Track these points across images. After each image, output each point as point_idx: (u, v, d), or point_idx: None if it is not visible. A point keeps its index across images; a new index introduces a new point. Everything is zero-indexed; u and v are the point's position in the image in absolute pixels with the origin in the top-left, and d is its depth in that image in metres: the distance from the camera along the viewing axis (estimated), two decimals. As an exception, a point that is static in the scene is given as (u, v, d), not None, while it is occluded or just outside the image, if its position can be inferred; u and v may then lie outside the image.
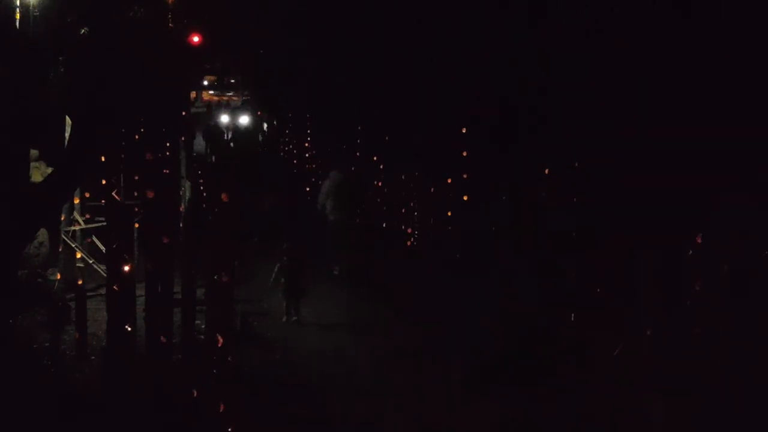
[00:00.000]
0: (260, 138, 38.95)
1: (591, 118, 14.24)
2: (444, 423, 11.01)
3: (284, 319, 15.20)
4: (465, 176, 17.86)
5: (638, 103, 13.26)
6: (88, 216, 17.69)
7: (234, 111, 42.70)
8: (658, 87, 12.87)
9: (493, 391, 11.86)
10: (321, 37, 28.48)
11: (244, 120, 39.12)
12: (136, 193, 19.41)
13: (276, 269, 15.39)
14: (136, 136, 22.18)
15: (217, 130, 36.78)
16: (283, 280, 15.23)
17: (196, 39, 24.24)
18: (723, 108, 11.68)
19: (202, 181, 24.83)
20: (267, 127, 39.28)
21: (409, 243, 20.34)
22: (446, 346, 13.65)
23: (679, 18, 12.34)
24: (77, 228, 17.02)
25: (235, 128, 38.82)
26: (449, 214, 18.34)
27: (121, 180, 18.65)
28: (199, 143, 34.84)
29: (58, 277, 16.17)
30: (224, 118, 39.11)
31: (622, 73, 13.55)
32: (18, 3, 14.77)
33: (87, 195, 17.85)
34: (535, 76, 15.86)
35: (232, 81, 51.44)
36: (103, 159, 16.00)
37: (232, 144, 36.56)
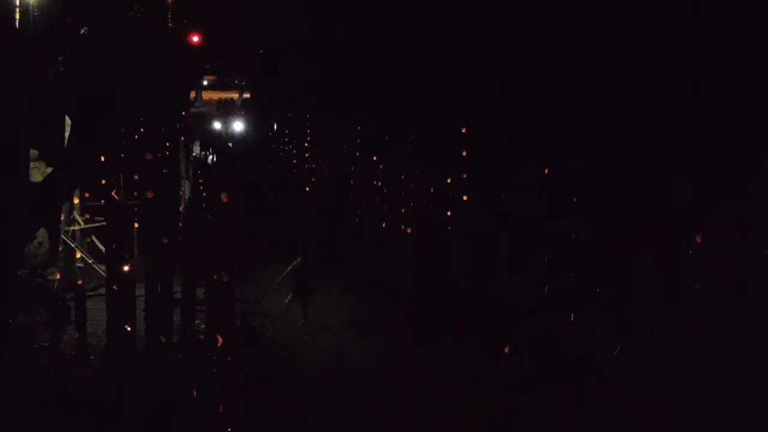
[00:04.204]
0: (260, 139, 39.00)
1: (594, 121, 14.23)
2: (444, 422, 11.02)
3: (301, 322, 15.07)
4: (465, 176, 17.86)
5: (640, 107, 13.26)
6: (88, 216, 17.71)
7: (232, 114, 42.81)
8: (663, 91, 12.87)
9: (491, 387, 11.88)
10: (321, 37, 28.49)
11: (241, 122, 39.20)
12: (136, 193, 19.45)
13: (291, 267, 15.26)
14: (136, 136, 22.19)
15: (216, 132, 36.85)
16: (294, 279, 15.18)
17: (196, 39, 24.24)
18: (726, 113, 11.69)
19: (202, 181, 24.87)
20: (267, 127, 39.30)
21: (408, 242, 20.33)
22: (446, 344, 13.67)
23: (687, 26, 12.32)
24: (77, 228, 17.05)
25: (234, 129, 38.87)
26: (449, 213, 18.34)
27: (121, 180, 18.66)
28: (199, 145, 34.93)
29: (58, 277, 16.18)
30: (222, 122, 39.18)
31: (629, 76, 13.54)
32: (18, 3, 14.76)
33: (87, 195, 17.87)
34: (537, 77, 15.86)
35: (234, 81, 51.52)
36: (103, 159, 16.01)
37: (230, 144, 36.66)
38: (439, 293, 15.99)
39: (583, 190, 13.96)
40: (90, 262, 16.56)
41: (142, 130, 22.79)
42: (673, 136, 12.29)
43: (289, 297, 15.20)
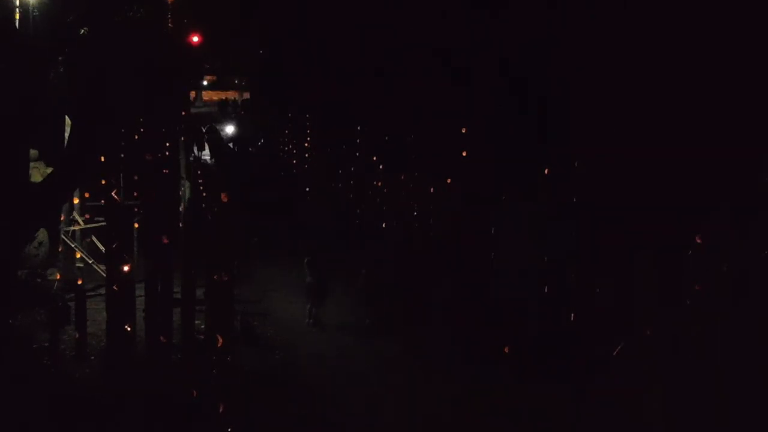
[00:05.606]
0: (260, 139, 38.97)
1: (595, 120, 14.24)
2: (444, 422, 11.02)
3: (308, 321, 15.10)
4: (464, 176, 17.83)
5: (640, 107, 13.26)
6: (88, 216, 17.69)
7: (231, 114, 42.83)
8: (664, 91, 12.88)
9: (491, 387, 11.88)
10: (321, 38, 28.51)
11: (241, 122, 39.23)
12: (136, 193, 19.45)
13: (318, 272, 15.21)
14: (136, 136, 22.19)
15: (215, 133, 36.84)
16: (309, 280, 15.11)
17: (196, 39, 24.28)
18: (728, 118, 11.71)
19: (201, 181, 24.83)
20: (267, 127, 39.27)
21: (407, 242, 20.32)
22: (446, 344, 13.67)
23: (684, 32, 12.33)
24: (77, 228, 17.03)
25: (234, 130, 38.87)
26: (448, 213, 18.30)
27: (121, 180, 18.65)
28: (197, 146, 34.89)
29: (58, 277, 16.17)
30: (222, 122, 39.22)
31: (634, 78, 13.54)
32: (18, 3, 14.76)
33: (87, 195, 17.86)
34: (537, 77, 15.86)
35: (234, 81, 51.56)
36: (103, 159, 16.01)
37: (231, 144, 36.63)
38: (439, 293, 15.98)
39: (583, 190, 13.95)
40: (90, 262, 16.54)
41: (142, 130, 22.80)
42: (673, 136, 12.29)
43: (310, 305, 15.15)
